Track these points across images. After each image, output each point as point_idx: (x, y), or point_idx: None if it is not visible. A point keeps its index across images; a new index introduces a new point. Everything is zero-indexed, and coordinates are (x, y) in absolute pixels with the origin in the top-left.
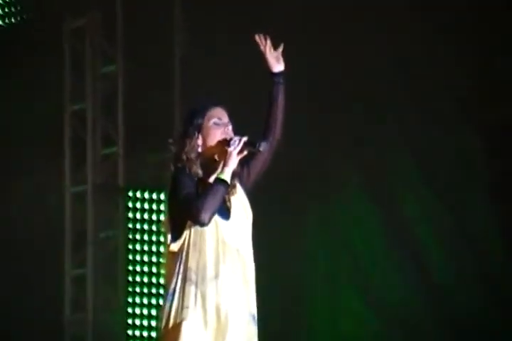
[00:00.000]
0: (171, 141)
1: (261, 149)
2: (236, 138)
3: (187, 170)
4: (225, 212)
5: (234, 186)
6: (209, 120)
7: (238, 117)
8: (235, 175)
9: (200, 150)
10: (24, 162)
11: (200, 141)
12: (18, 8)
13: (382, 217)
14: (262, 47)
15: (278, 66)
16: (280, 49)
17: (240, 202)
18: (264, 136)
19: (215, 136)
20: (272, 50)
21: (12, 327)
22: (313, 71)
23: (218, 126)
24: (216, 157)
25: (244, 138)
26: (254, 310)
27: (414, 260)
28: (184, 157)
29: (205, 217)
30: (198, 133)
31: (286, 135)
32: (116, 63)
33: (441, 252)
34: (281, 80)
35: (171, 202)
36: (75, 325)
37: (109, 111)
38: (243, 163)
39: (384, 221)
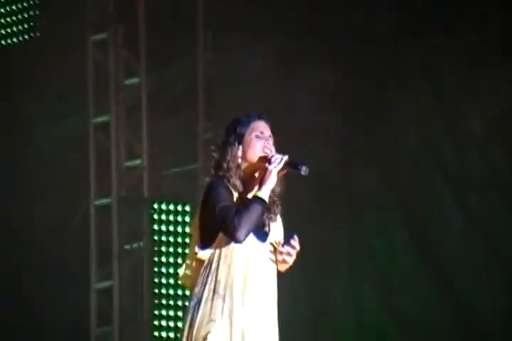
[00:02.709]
0: (213, 147)
1: (302, 173)
2: (278, 156)
3: (225, 180)
4: (262, 234)
5: (275, 214)
6: (251, 132)
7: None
8: (276, 201)
9: (239, 161)
10: (48, 175)
11: (240, 152)
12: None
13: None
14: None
15: (283, 265)
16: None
17: (277, 230)
18: None
19: (256, 148)
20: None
21: (38, 340)
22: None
23: (260, 138)
24: (256, 174)
25: (286, 157)
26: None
27: (438, 273)
28: (225, 165)
29: (241, 235)
30: (239, 143)
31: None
32: (140, 75)
33: (468, 267)
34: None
35: (204, 210)
36: (101, 338)
37: (133, 123)
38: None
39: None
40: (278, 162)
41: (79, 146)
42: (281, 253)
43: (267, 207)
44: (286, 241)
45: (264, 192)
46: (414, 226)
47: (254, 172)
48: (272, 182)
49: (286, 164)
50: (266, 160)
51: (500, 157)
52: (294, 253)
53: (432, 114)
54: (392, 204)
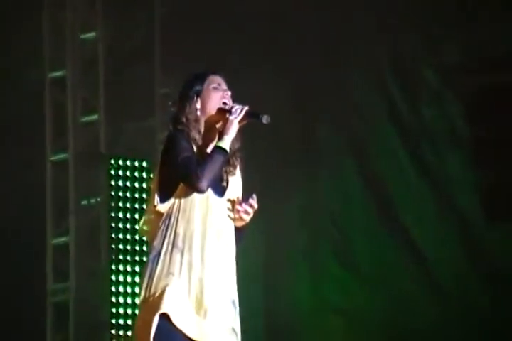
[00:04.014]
0: (170, 103)
1: (264, 121)
2: (238, 107)
3: (185, 134)
4: (219, 189)
5: (234, 167)
6: (209, 85)
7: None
8: (235, 154)
9: (198, 113)
10: (3, 131)
11: (198, 105)
12: None
13: (366, 187)
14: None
15: (239, 222)
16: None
17: (235, 185)
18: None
19: (214, 99)
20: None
21: None
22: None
23: (217, 90)
24: (218, 125)
25: (246, 108)
26: (235, 296)
27: (397, 226)
28: (183, 119)
29: (203, 185)
30: (197, 97)
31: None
32: (96, 30)
33: (424, 218)
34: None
35: (164, 162)
36: (58, 294)
37: (90, 78)
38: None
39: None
40: (239, 112)
41: (34, 101)
42: (238, 211)
43: (228, 157)
44: (245, 199)
45: (226, 142)
46: (370, 180)
47: (213, 125)
48: (233, 132)
49: (247, 114)
50: (225, 111)
51: (454, 109)
52: (251, 211)
53: (387, 68)
54: (347, 157)
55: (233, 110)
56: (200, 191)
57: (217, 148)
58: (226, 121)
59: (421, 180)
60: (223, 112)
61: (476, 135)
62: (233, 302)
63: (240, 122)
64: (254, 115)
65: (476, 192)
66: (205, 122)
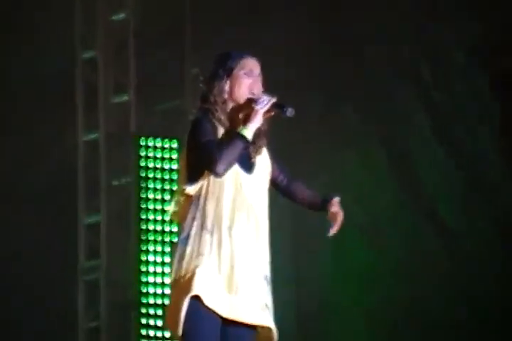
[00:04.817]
0: (201, 78)
1: (288, 114)
2: (265, 98)
3: (210, 115)
4: (249, 165)
5: (260, 146)
6: (241, 69)
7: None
8: (261, 135)
9: (226, 96)
10: (35, 111)
11: (227, 87)
12: None
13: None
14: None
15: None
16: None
17: (264, 162)
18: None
19: (244, 86)
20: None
21: (26, 274)
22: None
23: (248, 77)
24: (243, 113)
25: (273, 99)
26: (267, 271)
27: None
28: (211, 99)
29: (220, 168)
30: (227, 77)
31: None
32: (127, 10)
33: (451, 195)
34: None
35: (189, 145)
36: (89, 272)
37: (121, 58)
38: (279, 167)
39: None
40: (265, 103)
41: (66, 81)
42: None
43: (248, 146)
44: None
45: (249, 131)
46: (396, 158)
47: (240, 112)
48: (257, 122)
49: (273, 105)
50: (253, 101)
51: (483, 85)
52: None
53: (410, 45)
54: (372, 136)
55: (260, 101)
56: (217, 174)
57: (238, 134)
58: (252, 110)
59: (449, 156)
60: (250, 101)
61: (504, 110)
62: (265, 277)
63: (265, 113)
64: (280, 107)
65: (505, 168)
66: (233, 108)
